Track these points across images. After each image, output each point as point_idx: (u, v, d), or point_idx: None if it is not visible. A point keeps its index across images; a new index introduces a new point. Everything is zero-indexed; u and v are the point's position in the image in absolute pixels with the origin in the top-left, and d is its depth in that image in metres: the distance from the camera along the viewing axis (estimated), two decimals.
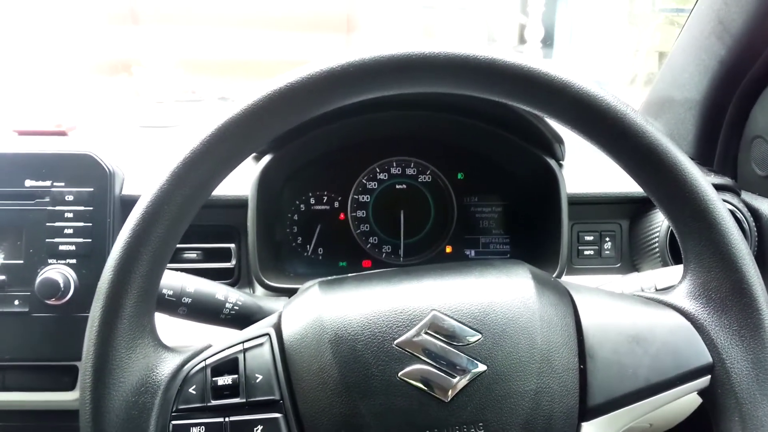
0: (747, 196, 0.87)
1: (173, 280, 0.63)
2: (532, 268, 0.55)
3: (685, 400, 0.51)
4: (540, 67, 0.49)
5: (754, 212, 0.84)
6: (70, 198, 0.76)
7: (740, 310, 0.49)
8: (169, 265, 0.51)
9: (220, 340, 0.52)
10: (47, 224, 0.76)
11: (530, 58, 0.50)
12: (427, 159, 0.93)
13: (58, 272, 0.74)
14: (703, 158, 0.93)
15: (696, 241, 0.50)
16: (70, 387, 0.78)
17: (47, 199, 0.76)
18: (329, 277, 0.58)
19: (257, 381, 0.48)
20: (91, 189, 0.77)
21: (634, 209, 0.88)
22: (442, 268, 0.54)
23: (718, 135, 0.90)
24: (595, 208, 0.88)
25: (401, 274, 0.54)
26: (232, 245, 0.85)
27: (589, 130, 0.50)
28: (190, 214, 0.49)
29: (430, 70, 0.49)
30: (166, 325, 0.59)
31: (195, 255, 0.83)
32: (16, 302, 0.75)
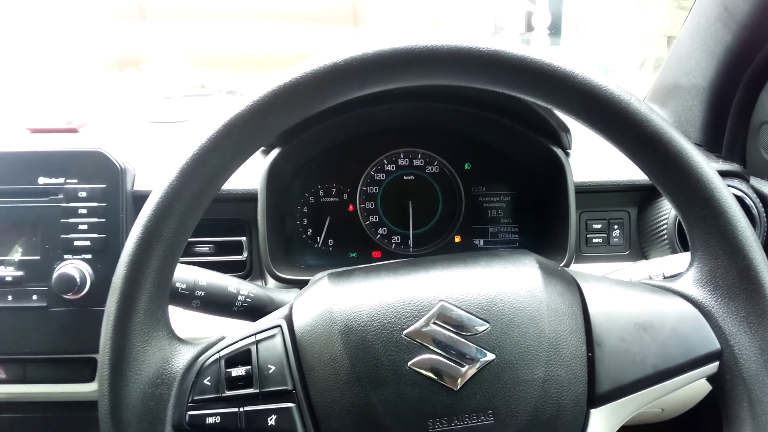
0: (756, 181, 0.87)
1: (186, 274, 0.64)
2: (538, 257, 0.55)
3: (696, 386, 0.51)
4: (543, 58, 0.49)
5: (762, 198, 0.84)
6: (83, 194, 0.78)
7: (747, 296, 0.49)
8: (182, 259, 0.52)
9: (233, 332, 0.53)
10: (62, 220, 0.77)
11: (533, 48, 0.50)
12: (434, 150, 0.94)
13: (74, 267, 0.76)
14: (711, 145, 0.93)
15: (702, 228, 0.50)
16: (89, 379, 0.80)
17: (61, 196, 0.78)
18: (339, 269, 0.59)
19: (270, 372, 0.49)
20: (104, 185, 0.78)
21: (641, 197, 0.88)
22: (449, 259, 0.55)
23: (726, 121, 0.90)
24: (602, 196, 0.88)
25: (409, 266, 0.55)
26: (243, 238, 0.86)
27: (594, 119, 0.51)
28: (200, 209, 0.50)
29: (434, 63, 0.49)
30: (179, 317, 0.61)
31: (207, 248, 0.84)
32: (34, 297, 0.77)
